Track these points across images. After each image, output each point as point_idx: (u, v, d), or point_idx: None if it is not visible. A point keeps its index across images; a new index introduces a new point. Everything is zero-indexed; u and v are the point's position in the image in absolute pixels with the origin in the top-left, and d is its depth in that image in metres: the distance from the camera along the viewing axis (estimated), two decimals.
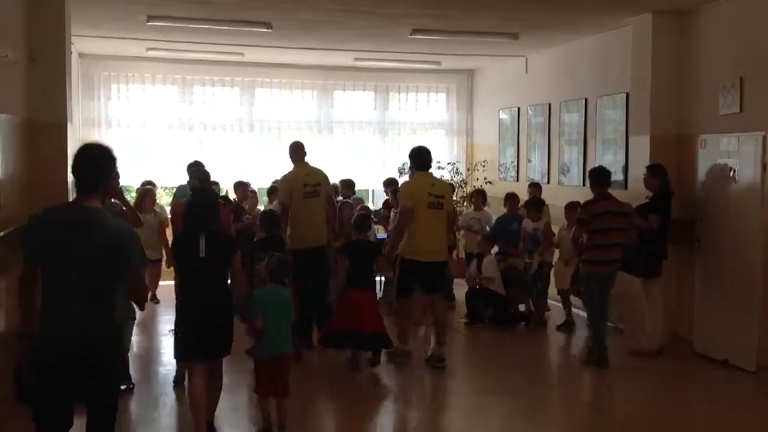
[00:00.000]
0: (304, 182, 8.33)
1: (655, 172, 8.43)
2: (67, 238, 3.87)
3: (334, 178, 11.75)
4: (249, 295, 5.85)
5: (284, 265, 6.07)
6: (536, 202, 10.09)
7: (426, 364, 7.89)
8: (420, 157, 8.08)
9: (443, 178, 11.33)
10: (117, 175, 5.48)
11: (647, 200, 8.38)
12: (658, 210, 8.26)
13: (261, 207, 11.06)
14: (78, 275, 3.86)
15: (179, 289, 5.76)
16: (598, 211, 7.96)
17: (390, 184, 11.35)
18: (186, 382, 6.07)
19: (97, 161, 4.04)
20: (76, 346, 3.87)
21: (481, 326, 9.75)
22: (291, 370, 6.05)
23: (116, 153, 4.14)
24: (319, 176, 8.51)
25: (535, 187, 10.87)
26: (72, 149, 8.10)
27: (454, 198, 11.57)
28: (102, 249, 3.87)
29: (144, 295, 4.30)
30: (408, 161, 8.56)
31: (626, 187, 9.37)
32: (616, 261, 8.03)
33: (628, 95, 9.67)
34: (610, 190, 8.22)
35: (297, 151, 8.62)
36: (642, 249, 8.19)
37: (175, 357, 5.95)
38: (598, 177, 8.17)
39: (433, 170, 12.52)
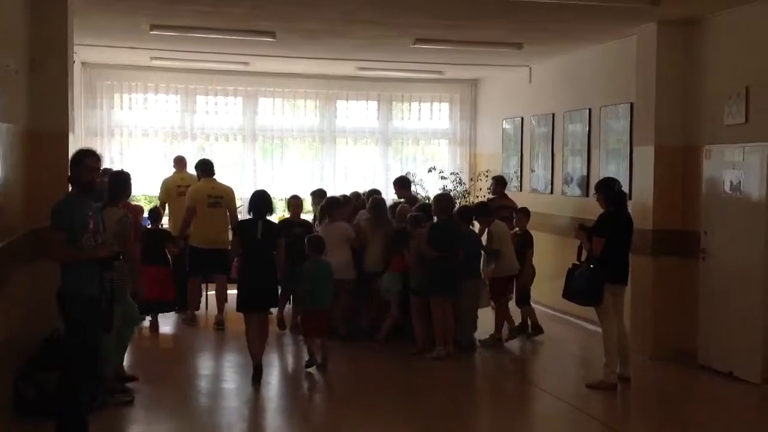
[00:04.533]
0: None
1: (596, 187, 8.00)
2: None
3: (338, 188, 11.74)
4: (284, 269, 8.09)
5: (318, 242, 8.31)
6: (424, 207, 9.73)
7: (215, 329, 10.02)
8: (204, 167, 10.38)
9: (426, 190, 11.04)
10: (85, 168, 5.73)
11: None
12: (601, 232, 7.62)
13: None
14: None
15: (240, 262, 7.94)
16: (495, 205, 10.14)
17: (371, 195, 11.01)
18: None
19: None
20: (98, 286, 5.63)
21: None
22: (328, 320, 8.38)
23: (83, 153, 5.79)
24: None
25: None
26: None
27: None
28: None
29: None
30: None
31: (630, 198, 9.30)
32: None
33: (632, 105, 9.62)
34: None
35: None
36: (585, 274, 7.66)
37: (237, 309, 7.82)
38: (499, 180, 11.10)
39: (435, 180, 12.58)
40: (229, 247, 9.77)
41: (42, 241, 6.54)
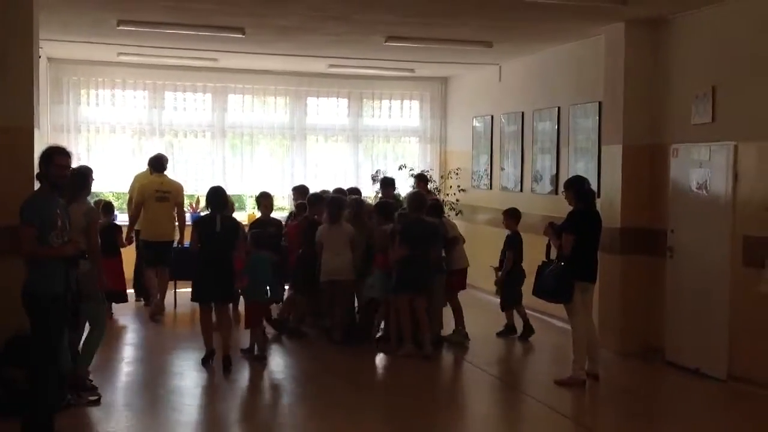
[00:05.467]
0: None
1: (565, 185, 8.10)
2: None
3: (308, 185, 11.63)
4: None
5: (261, 237, 8.59)
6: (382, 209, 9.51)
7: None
8: (155, 163, 10.71)
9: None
10: (55, 166, 5.70)
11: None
12: (571, 230, 7.67)
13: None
14: None
15: (199, 254, 8.06)
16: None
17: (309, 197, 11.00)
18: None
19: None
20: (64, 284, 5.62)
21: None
22: (265, 311, 8.93)
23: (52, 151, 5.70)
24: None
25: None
26: (39, 155, 7.97)
27: None
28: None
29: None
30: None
31: (599, 196, 9.37)
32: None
33: (600, 104, 9.69)
34: None
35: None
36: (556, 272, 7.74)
37: (192, 299, 8.23)
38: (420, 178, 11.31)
39: (406, 178, 12.54)
40: (176, 241, 10.57)
41: (5, 238, 6.47)
